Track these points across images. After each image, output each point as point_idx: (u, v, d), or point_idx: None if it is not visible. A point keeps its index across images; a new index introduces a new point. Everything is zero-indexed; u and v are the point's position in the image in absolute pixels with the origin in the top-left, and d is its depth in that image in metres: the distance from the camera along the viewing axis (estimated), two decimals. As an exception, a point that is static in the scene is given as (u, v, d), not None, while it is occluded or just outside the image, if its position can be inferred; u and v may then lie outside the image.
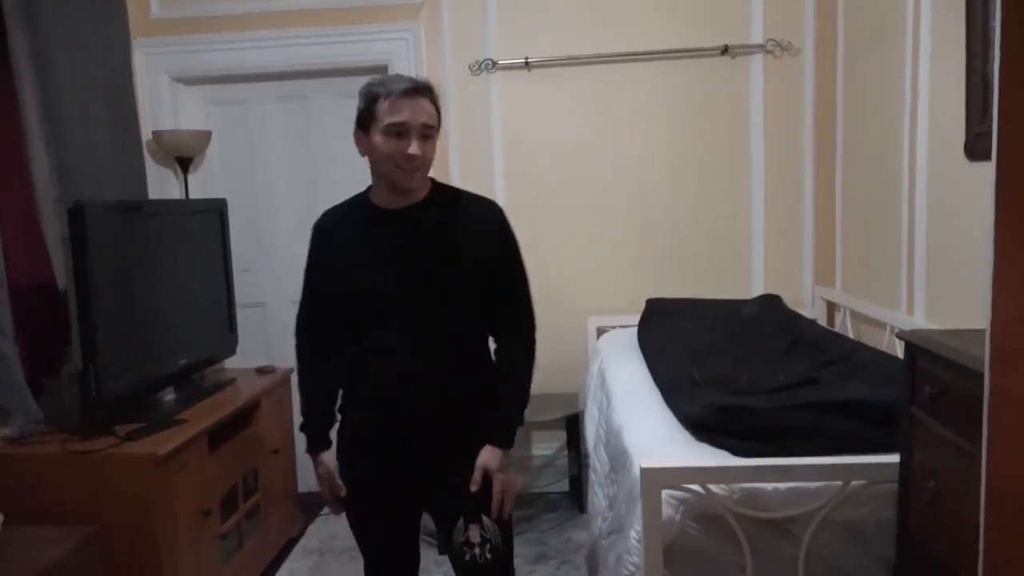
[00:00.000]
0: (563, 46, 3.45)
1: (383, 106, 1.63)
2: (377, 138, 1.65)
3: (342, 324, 1.80)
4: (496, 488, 1.76)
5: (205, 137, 3.53)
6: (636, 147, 3.50)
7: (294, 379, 3.32)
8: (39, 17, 2.67)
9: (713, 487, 1.68)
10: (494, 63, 3.47)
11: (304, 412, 1.91)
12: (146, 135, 3.39)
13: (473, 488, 1.74)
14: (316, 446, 1.88)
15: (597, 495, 2.47)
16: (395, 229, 1.73)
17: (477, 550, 1.75)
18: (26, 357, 2.54)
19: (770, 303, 3.21)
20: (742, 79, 3.44)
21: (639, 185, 3.52)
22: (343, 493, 1.86)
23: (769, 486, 1.71)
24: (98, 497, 2.26)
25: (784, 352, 2.63)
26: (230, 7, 3.48)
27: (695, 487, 1.68)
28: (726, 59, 3.42)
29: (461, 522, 1.76)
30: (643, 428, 2.13)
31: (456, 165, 3.55)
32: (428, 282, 1.72)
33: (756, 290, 3.50)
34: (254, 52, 3.48)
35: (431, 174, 1.78)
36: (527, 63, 3.46)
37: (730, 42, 3.40)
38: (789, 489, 1.71)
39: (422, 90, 1.66)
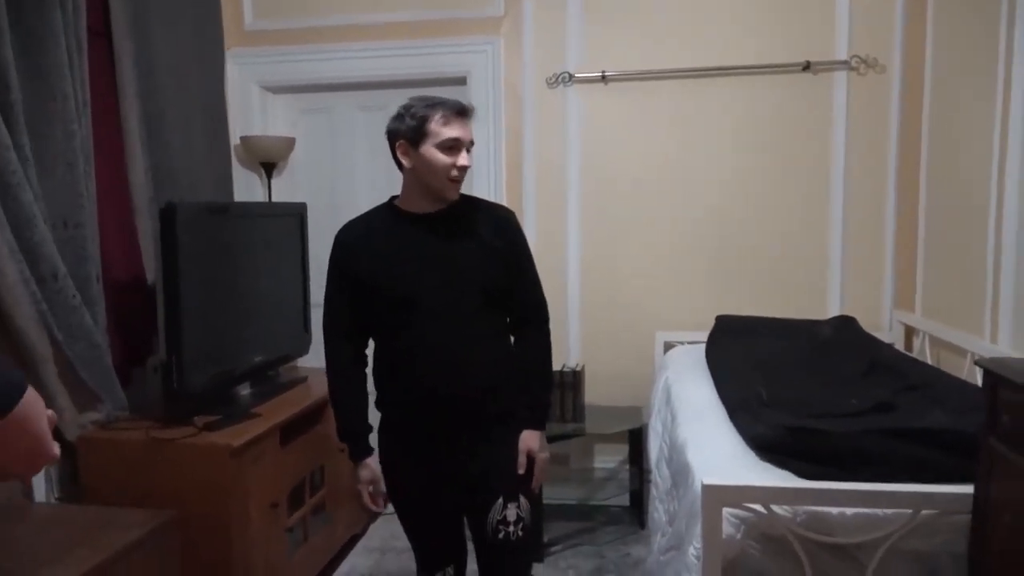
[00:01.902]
0: (641, 60, 3.46)
1: (436, 123, 1.82)
2: (431, 152, 1.82)
3: (378, 325, 1.94)
4: (538, 467, 1.97)
5: (289, 143, 3.67)
6: (713, 162, 3.48)
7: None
8: (145, 30, 2.84)
9: (776, 508, 1.66)
10: (571, 76, 3.50)
11: (345, 420, 2.00)
12: (234, 140, 3.55)
13: (521, 471, 1.95)
14: (363, 452, 1.98)
15: (658, 510, 2.45)
16: (429, 230, 1.90)
17: (511, 528, 1.91)
18: (115, 347, 2.70)
19: (845, 325, 3.13)
20: (824, 96, 3.37)
21: (714, 200, 3.49)
22: (383, 503, 2.01)
23: (835, 510, 1.67)
24: (176, 483, 2.37)
25: (858, 376, 2.56)
26: (318, 20, 3.62)
27: (757, 507, 1.66)
28: (808, 75, 3.37)
29: (500, 501, 1.91)
30: (707, 446, 2.11)
31: (532, 177, 3.59)
32: (461, 277, 1.88)
33: (831, 311, 3.42)
34: (339, 63, 3.60)
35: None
36: (604, 77, 3.47)
37: (812, 58, 3.34)
38: (856, 514, 1.67)
39: (469, 112, 1.87)
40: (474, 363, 1.89)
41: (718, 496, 1.64)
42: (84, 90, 2.48)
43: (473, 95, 3.54)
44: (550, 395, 2.10)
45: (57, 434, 2.41)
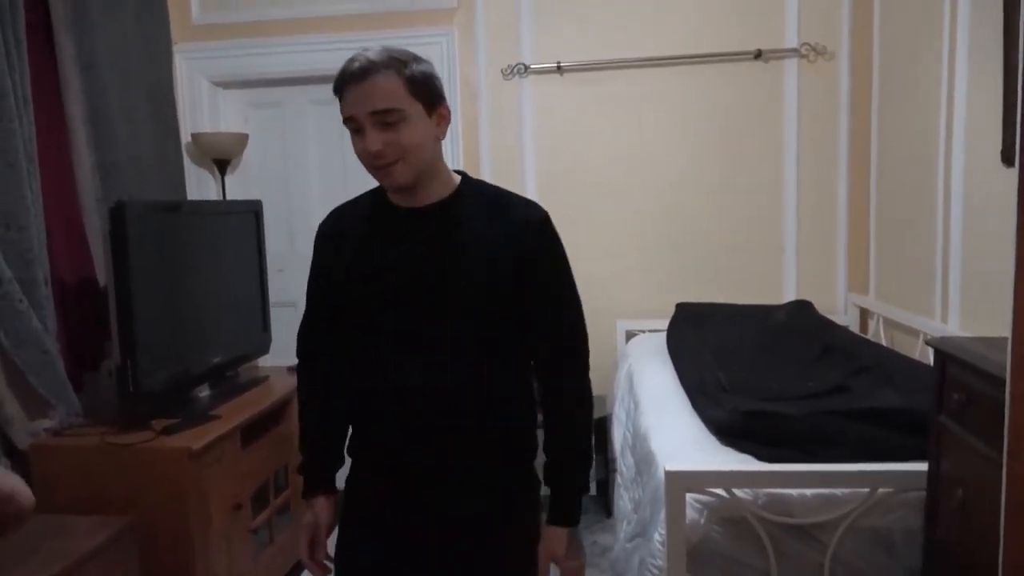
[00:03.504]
0: (595, 50, 3.47)
1: (344, 102, 1.35)
2: (351, 138, 1.38)
3: (347, 343, 1.49)
4: None
5: (242, 140, 3.60)
6: (668, 151, 3.50)
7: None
8: (86, 23, 2.75)
9: (738, 491, 1.68)
10: (527, 67, 3.49)
11: (302, 445, 1.58)
12: (185, 137, 3.48)
13: None
14: (314, 488, 1.53)
15: (623, 498, 2.47)
16: (413, 227, 1.42)
17: None
18: (68, 352, 2.63)
19: (801, 309, 3.19)
20: (775, 83, 3.42)
21: (671, 189, 3.52)
22: (326, 565, 1.51)
23: (795, 491, 1.70)
24: (134, 489, 2.32)
25: (814, 359, 2.61)
26: (268, 13, 3.55)
27: (719, 491, 1.68)
28: (759, 63, 3.41)
29: None
30: (669, 432, 2.13)
31: (488, 168, 3.58)
32: (443, 295, 1.39)
33: (788, 296, 3.47)
34: (290, 56, 3.54)
35: (468, 170, 1.60)
36: (559, 67, 3.47)
37: (763, 46, 3.38)
38: (815, 495, 1.70)
39: (370, 70, 1.30)
40: (451, 418, 1.38)
41: (681, 482, 1.66)
42: (24, 87, 2.40)
43: (429, 87, 3.51)
44: (587, 477, 1.46)
45: (7, 442, 2.37)
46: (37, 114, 2.49)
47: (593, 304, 3.51)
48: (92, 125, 2.78)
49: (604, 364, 3.53)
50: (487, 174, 3.57)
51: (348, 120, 1.34)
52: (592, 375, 3.74)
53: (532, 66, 3.49)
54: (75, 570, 1.87)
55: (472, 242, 1.40)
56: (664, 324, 3.26)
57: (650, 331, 3.47)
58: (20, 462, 2.40)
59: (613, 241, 3.57)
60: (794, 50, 3.38)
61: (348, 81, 1.33)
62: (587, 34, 3.47)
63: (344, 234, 1.51)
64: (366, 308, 1.44)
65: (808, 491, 1.70)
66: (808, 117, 3.42)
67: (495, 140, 3.57)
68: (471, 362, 1.40)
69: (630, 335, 3.54)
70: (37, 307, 2.38)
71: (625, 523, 2.32)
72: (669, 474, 1.67)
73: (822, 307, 3.28)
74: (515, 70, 3.50)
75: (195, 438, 2.38)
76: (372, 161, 1.35)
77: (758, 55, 3.38)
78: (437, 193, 1.42)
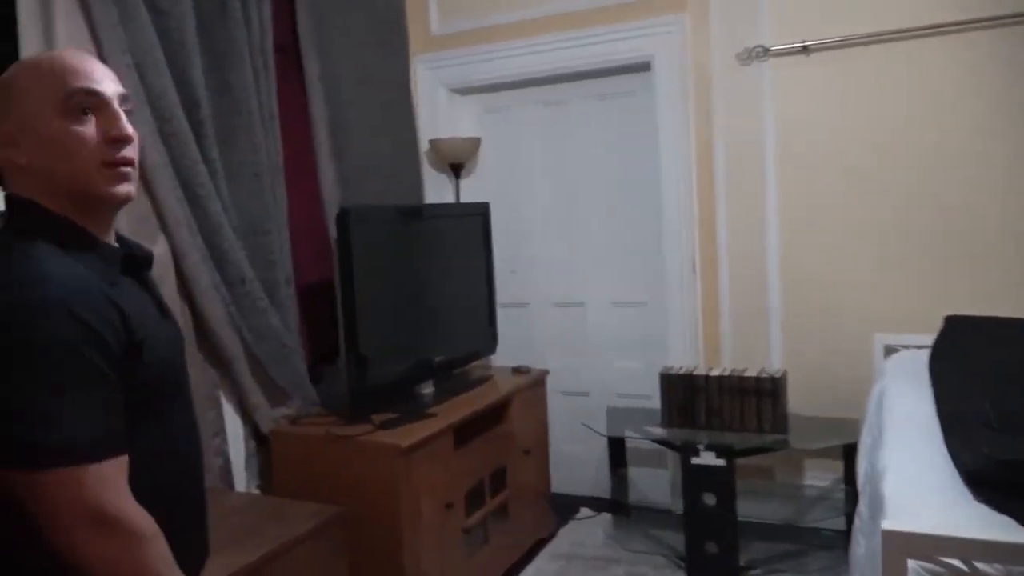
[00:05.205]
0: (847, 24, 3.02)
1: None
2: None
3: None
4: None
5: (475, 144, 3.69)
6: (935, 136, 2.95)
7: (549, 380, 3.38)
8: (330, 44, 2.99)
9: (981, 565, 1.32)
10: (766, 50, 3.15)
11: None
12: (423, 143, 3.64)
13: None
14: None
15: (860, 544, 2.11)
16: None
17: None
18: (309, 346, 2.86)
19: (1121, 328, 2.53)
20: (1091, 45, 2.74)
21: (940, 180, 2.97)
22: None
23: (1068, 573, 1.30)
24: (351, 480, 2.46)
25: None
26: (500, 17, 3.57)
27: (955, 562, 1.34)
28: (1066, 22, 2.75)
29: None
30: (909, 475, 1.76)
31: (722, 166, 3.29)
32: None
33: (1103, 310, 2.77)
34: (519, 59, 3.53)
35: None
36: (805, 47, 3.09)
37: (1073, -1, 2.73)
38: (1100, 581, 1.29)
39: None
40: None
41: (901, 544, 1.35)
42: (271, 104, 2.64)
43: (659, 80, 3.32)
44: None
45: (255, 426, 2.63)
46: (286, 129, 2.74)
47: (845, 313, 3.16)
48: (335, 137, 3.00)
49: (858, 383, 3.09)
50: (721, 170, 3.28)
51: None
52: (843, 395, 3.23)
53: (773, 48, 3.14)
54: (283, 553, 1.99)
55: None
56: (930, 339, 2.76)
57: (916, 347, 2.97)
58: (264, 444, 2.65)
59: (869, 242, 3.10)
60: (1119, 0, 2.68)
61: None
62: (837, 6, 3.03)
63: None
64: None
65: (1088, 575, 1.29)
66: None
67: (731, 131, 3.27)
68: None
69: (889, 350, 3.06)
70: (278, 305, 2.62)
71: (858, 573, 1.98)
72: (887, 534, 1.36)
73: None
74: (753, 54, 3.18)
75: (407, 435, 2.46)
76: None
77: (1064, 11, 2.73)
78: None
